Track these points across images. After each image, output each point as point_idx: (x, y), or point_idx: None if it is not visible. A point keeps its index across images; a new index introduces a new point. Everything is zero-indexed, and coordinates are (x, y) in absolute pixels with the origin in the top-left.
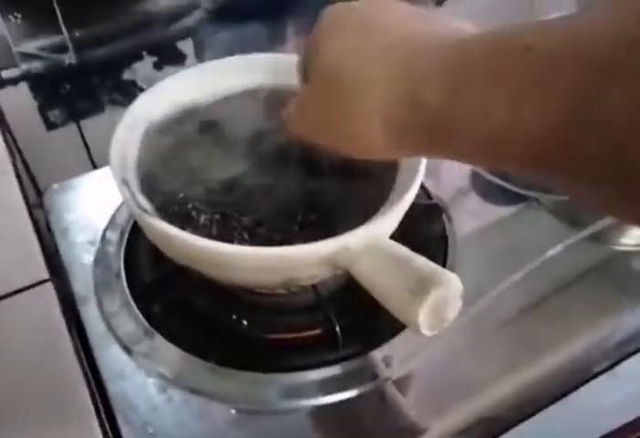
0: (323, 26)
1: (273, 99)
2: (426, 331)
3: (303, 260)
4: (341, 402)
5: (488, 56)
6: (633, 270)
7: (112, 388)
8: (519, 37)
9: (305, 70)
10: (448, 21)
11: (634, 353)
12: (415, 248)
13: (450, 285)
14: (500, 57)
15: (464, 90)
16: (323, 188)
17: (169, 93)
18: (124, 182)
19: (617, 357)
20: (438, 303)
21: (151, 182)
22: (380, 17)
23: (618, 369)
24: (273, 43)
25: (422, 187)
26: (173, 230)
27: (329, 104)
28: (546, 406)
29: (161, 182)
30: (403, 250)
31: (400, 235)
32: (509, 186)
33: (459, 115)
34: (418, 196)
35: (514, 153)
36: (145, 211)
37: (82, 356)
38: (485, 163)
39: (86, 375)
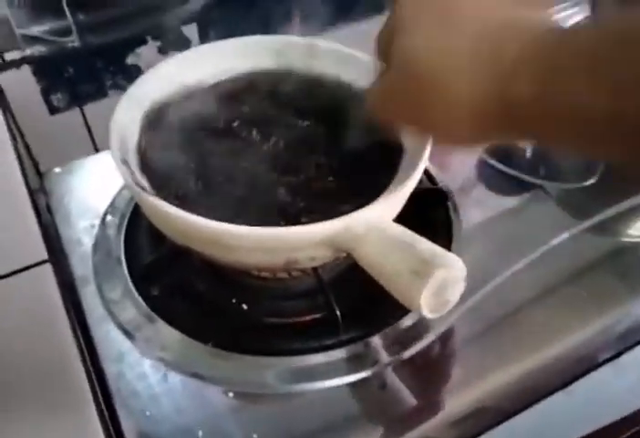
0: (406, 11)
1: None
2: (428, 314)
3: (303, 241)
4: (341, 387)
5: (592, 46)
6: (638, 261)
7: (110, 370)
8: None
9: (385, 52)
10: (532, 8)
11: (638, 343)
12: (419, 233)
13: (454, 267)
14: (603, 49)
15: (559, 79)
16: (327, 171)
17: (169, 74)
18: (124, 162)
19: (621, 347)
20: (440, 285)
21: (151, 162)
22: (466, 3)
23: (622, 359)
24: (277, 27)
25: (429, 175)
26: (172, 209)
27: (415, 94)
28: (549, 395)
29: (161, 163)
30: (406, 232)
31: (405, 221)
32: (515, 173)
33: (551, 105)
34: (423, 182)
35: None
36: (144, 190)
37: (80, 338)
38: (566, 143)
39: (83, 357)
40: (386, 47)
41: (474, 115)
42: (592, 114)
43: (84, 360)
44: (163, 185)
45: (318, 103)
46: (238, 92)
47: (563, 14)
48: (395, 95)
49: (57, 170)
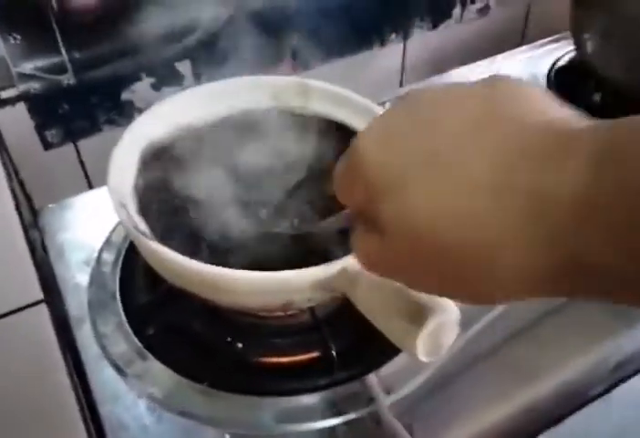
0: (372, 158)
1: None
2: (423, 358)
3: (300, 284)
4: (336, 427)
5: None
6: None
7: (104, 409)
8: None
9: (364, 210)
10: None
11: (629, 377)
12: None
13: (448, 312)
14: None
15: None
16: (321, 213)
17: (167, 115)
18: (121, 204)
19: (613, 381)
20: (435, 330)
21: (149, 204)
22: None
23: (613, 393)
24: (271, 65)
25: None
26: (170, 253)
27: (430, 267)
28: (540, 432)
29: (159, 205)
30: None
31: None
32: None
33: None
34: None
35: None
36: (142, 233)
37: (75, 378)
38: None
39: (78, 397)
40: (356, 204)
41: (525, 282)
42: None
43: (79, 401)
44: (160, 227)
45: (313, 143)
46: (233, 132)
47: (544, 49)
48: (393, 260)
49: (51, 206)
